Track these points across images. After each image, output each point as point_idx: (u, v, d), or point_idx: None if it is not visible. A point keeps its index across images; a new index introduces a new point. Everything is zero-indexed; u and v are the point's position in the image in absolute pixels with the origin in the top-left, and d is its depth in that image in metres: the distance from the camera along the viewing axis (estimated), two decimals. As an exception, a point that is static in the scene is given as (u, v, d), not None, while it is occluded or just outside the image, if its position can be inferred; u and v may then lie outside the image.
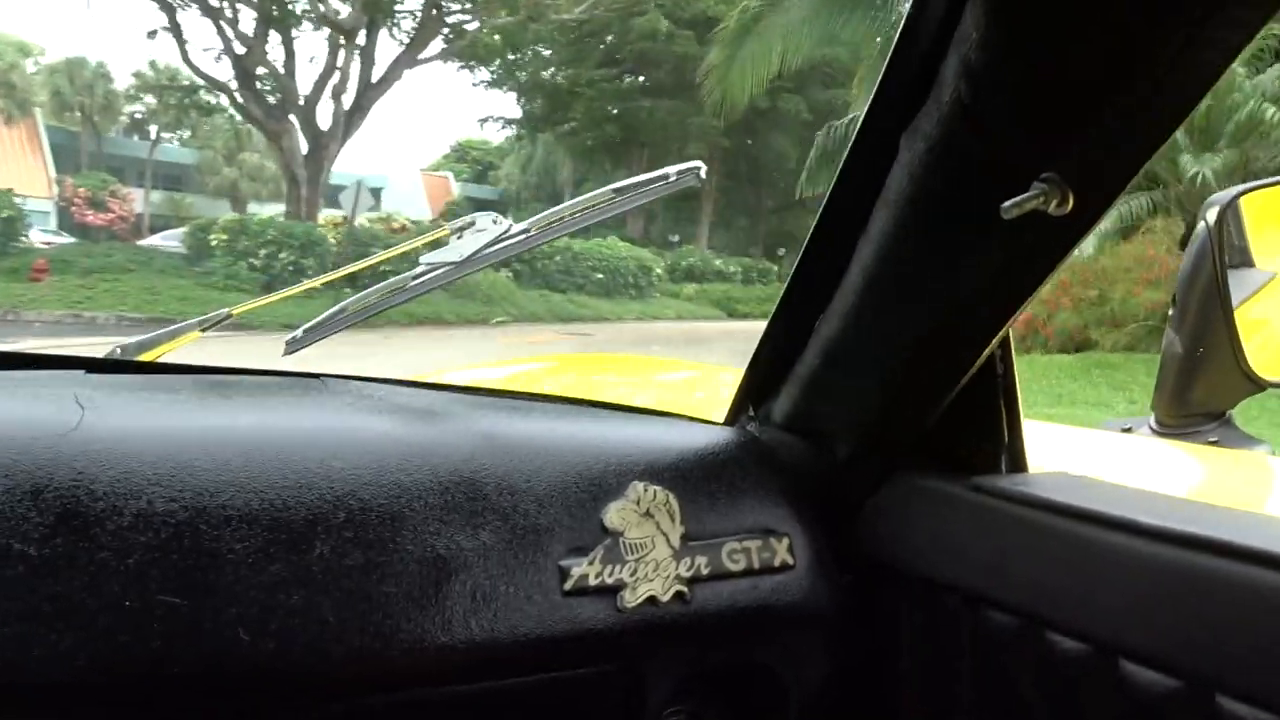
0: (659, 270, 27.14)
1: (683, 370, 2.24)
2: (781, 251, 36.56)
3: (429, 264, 1.04)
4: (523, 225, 1.04)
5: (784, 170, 37.28)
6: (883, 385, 0.93)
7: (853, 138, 0.80)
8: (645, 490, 0.90)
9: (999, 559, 0.87)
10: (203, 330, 1.11)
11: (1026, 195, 0.68)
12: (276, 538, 0.74)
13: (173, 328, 1.10)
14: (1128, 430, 1.47)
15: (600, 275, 24.94)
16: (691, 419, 1.08)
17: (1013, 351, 0.94)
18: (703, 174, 1.06)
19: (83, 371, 0.90)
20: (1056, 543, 0.81)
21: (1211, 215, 1.29)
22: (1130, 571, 0.75)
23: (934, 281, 0.81)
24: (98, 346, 1.11)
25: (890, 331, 0.88)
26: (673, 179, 1.05)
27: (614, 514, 0.88)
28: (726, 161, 33.66)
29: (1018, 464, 0.95)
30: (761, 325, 1.01)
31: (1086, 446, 1.36)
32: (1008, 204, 0.68)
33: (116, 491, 0.70)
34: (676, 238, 36.55)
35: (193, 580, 0.70)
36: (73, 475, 0.70)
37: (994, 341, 0.86)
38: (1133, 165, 0.70)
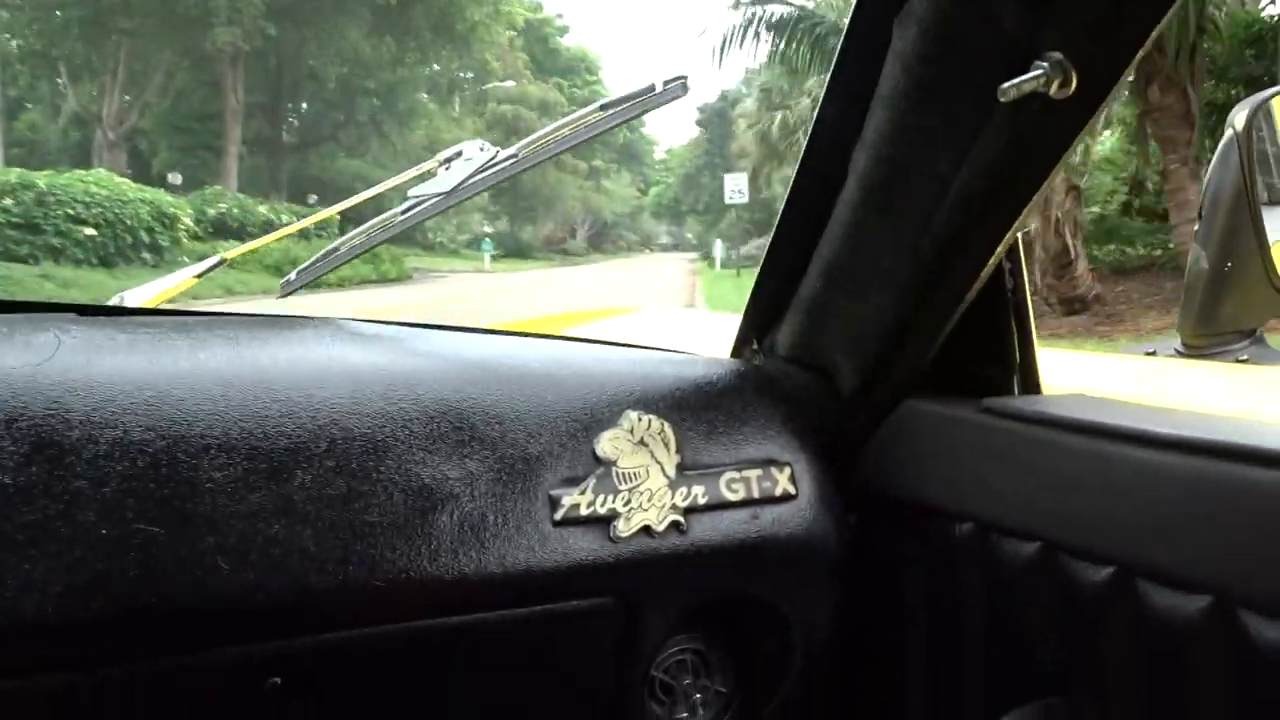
0: (186, 222, 18.17)
1: (699, 318, 2.25)
2: (313, 199, 28.75)
3: (417, 196, 1.04)
4: (510, 150, 1.05)
5: (326, 83, 29.26)
6: (888, 304, 0.89)
7: (844, 31, 0.77)
8: (640, 419, 0.89)
9: (1012, 484, 0.84)
10: (198, 276, 1.13)
11: (1027, 76, 0.66)
12: (256, 467, 0.73)
13: (169, 276, 1.13)
14: (1151, 354, 1.40)
15: (92, 231, 15.70)
16: (694, 354, 1.06)
17: (1024, 267, 0.89)
18: (688, 84, 1.04)
19: (74, 315, 0.88)
20: (1073, 462, 0.78)
21: (1240, 120, 1.22)
22: (1151, 486, 0.72)
23: (933, 183, 0.78)
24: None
25: (890, 242, 0.85)
26: (659, 90, 1.04)
27: (606, 443, 0.87)
28: (261, 65, 25.06)
29: (1031, 385, 0.92)
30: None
31: (1106, 371, 1.32)
32: (1007, 85, 0.66)
33: (92, 420, 0.69)
34: (179, 178, 26.70)
35: (170, 509, 0.70)
36: (47, 404, 0.69)
37: (1000, 248, 0.82)
38: (1135, 40, 0.66)
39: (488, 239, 42.40)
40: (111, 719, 0.72)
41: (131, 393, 0.72)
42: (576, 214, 64.51)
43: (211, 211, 21.78)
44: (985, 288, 0.87)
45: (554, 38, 60.51)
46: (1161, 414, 0.82)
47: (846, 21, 0.75)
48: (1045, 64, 0.66)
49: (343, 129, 38.22)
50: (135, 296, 1.10)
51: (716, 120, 43.19)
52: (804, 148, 0.86)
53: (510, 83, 50.80)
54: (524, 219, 59.74)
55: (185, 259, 17.81)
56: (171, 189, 24.23)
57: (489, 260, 40.25)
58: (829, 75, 0.80)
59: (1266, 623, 0.63)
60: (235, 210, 22.22)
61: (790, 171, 0.96)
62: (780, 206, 0.93)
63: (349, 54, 33.14)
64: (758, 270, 1.01)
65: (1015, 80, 0.66)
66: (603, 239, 77.38)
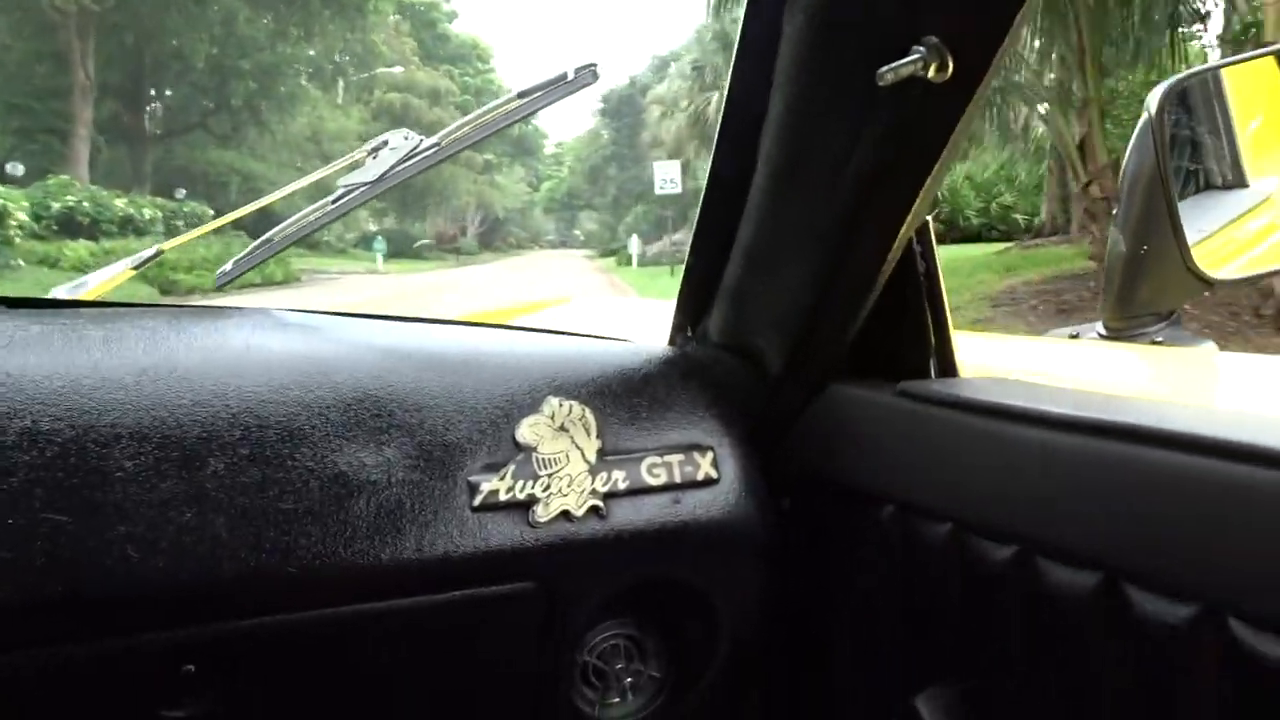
0: (22, 217, 15.01)
1: (651, 305, 2.12)
2: (181, 193, 25.55)
3: (346, 186, 1.04)
4: (433, 139, 1.05)
5: (193, 63, 26.02)
6: (803, 288, 0.90)
7: (740, 22, 0.78)
8: (560, 405, 0.89)
9: (927, 466, 0.85)
10: (135, 269, 1.12)
11: (904, 61, 0.67)
12: (168, 455, 0.73)
13: (105, 269, 1.12)
14: (1074, 336, 1.43)
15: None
16: (622, 340, 1.06)
17: (935, 252, 0.91)
18: (597, 71, 1.05)
19: (1, 308, 0.87)
20: (979, 444, 0.80)
21: (1154, 104, 1.24)
22: (1048, 465, 0.73)
23: (830, 166, 0.80)
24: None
25: (799, 228, 0.86)
26: (571, 78, 1.05)
27: (526, 429, 0.87)
28: (117, 41, 21.66)
29: (947, 369, 0.92)
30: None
31: (1029, 353, 1.33)
32: (884, 69, 0.68)
33: (0, 410, 0.69)
34: (20, 168, 23.09)
35: (79, 498, 0.69)
36: None
37: (903, 229, 0.83)
38: (1004, 21, 0.68)
39: (379, 238, 39.22)
40: (22, 707, 0.71)
41: (40, 383, 0.72)
42: (469, 210, 61.43)
43: (56, 206, 18.64)
44: (898, 271, 0.88)
45: (442, 23, 57.27)
46: (1066, 395, 0.82)
47: (743, 11, 0.77)
48: (922, 48, 0.67)
49: (214, 115, 34.53)
50: (67, 291, 1.11)
51: (625, 109, 41.07)
52: (717, 132, 0.86)
53: (398, 69, 47.53)
54: (414, 216, 56.44)
55: (20, 261, 14.61)
56: (9, 180, 20.62)
57: (382, 260, 37.13)
58: (733, 59, 0.81)
59: (1153, 598, 0.65)
60: (86, 204, 19.14)
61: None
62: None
63: (220, 29, 29.63)
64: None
65: (893, 65, 0.68)
66: (494, 236, 74.73)
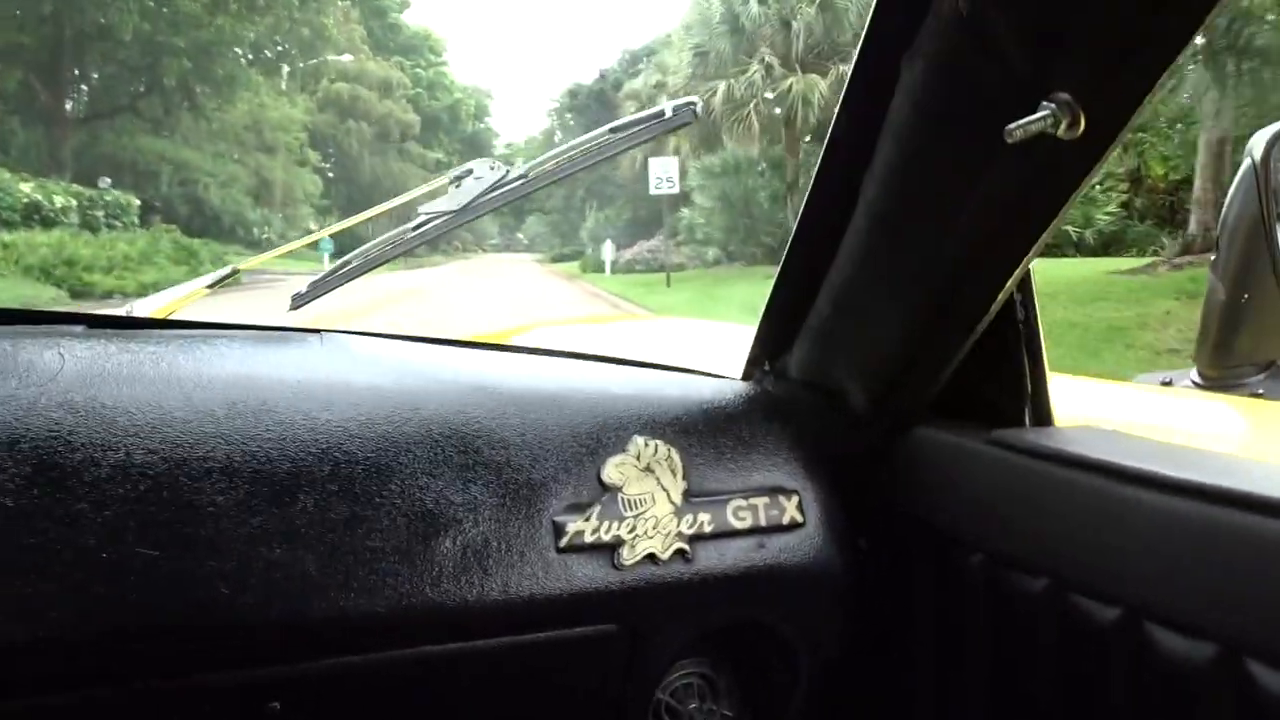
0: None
1: (704, 328, 2.11)
2: (106, 182, 22.65)
3: (428, 214, 1.04)
4: (520, 170, 1.04)
5: (120, 38, 23.16)
6: (897, 333, 0.90)
7: (852, 65, 0.76)
8: (646, 444, 0.89)
9: (1022, 517, 0.84)
10: (209, 288, 1.13)
11: (1034, 118, 0.65)
12: (258, 490, 0.73)
13: (179, 287, 1.13)
14: (1167, 383, 1.38)
15: None
16: (702, 374, 1.05)
17: (1035, 296, 0.90)
18: (698, 110, 1.05)
19: (83, 327, 0.88)
20: (1082, 500, 0.78)
21: (1258, 151, 1.23)
22: (1162, 530, 0.71)
23: (942, 216, 0.78)
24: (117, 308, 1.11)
25: (901, 273, 0.85)
26: (668, 116, 1.04)
27: (612, 469, 0.87)
28: (32, 11, 18.83)
29: (1042, 417, 0.91)
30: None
31: (1119, 401, 1.28)
32: (1013, 126, 0.66)
33: (94, 443, 0.70)
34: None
35: (171, 533, 0.70)
36: (49, 426, 0.69)
37: (1010, 281, 0.82)
38: (1147, 81, 0.65)
39: (326, 238, 36.23)
40: None
41: (134, 415, 0.72)
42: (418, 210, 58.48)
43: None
44: (997, 317, 0.87)
45: (393, 12, 54.28)
46: (1174, 453, 0.81)
47: (855, 52, 0.75)
48: (1053, 104, 0.65)
49: (144, 98, 31.29)
50: (144, 307, 1.11)
51: (594, 105, 38.56)
52: (815, 173, 0.86)
53: (348, 57, 44.53)
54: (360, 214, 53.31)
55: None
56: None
57: (328, 261, 34.25)
58: (839, 104, 0.80)
59: (1274, 673, 0.63)
60: (-8, 191, 16.00)
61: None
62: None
63: (150, 1, 26.57)
64: (769, 290, 0.99)
65: (1022, 121, 0.66)
66: (439, 238, 71.38)
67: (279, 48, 36.90)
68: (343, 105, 45.64)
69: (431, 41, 58.22)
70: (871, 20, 0.73)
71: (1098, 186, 15.07)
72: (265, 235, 37.35)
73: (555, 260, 60.56)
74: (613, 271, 29.68)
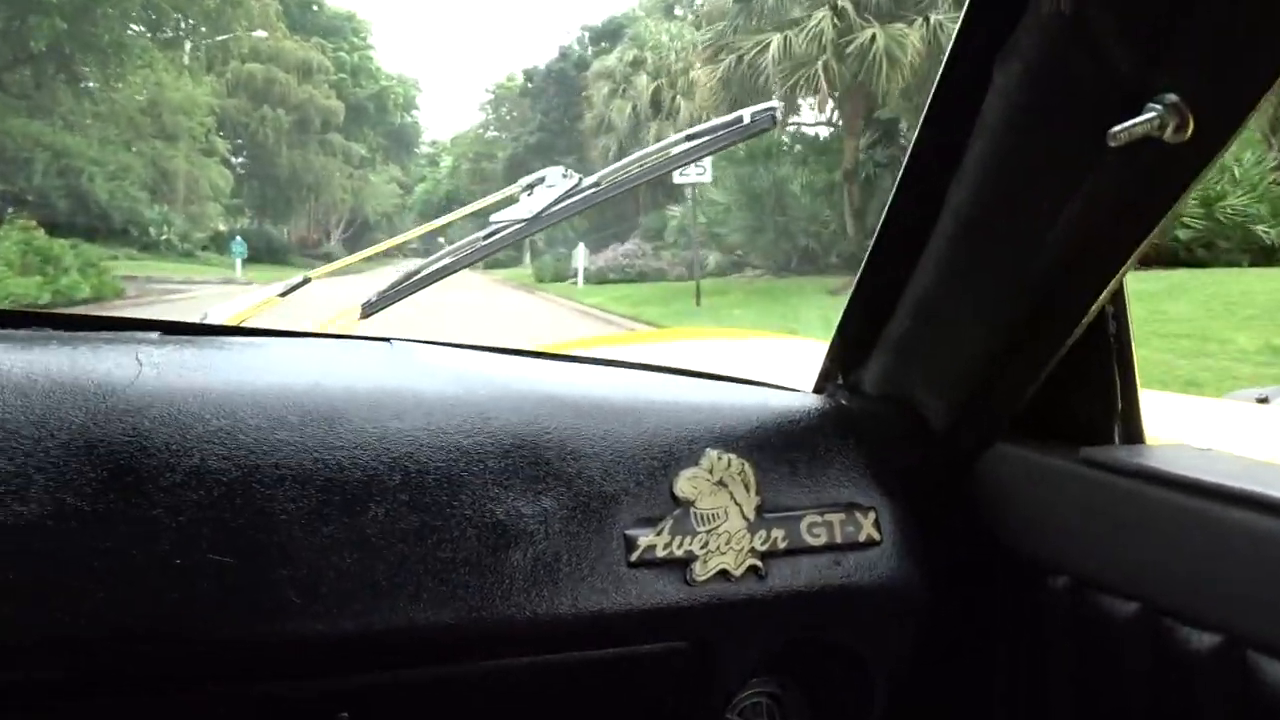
0: None
1: (777, 340, 2.08)
2: None
3: (500, 222, 1.04)
4: (593, 178, 1.04)
5: None
6: (982, 345, 0.88)
7: (941, 65, 0.74)
8: (719, 458, 0.87)
9: (1112, 539, 0.81)
10: (281, 295, 1.15)
11: (1139, 120, 0.63)
12: (330, 499, 0.73)
13: (252, 294, 1.16)
14: (1263, 400, 1.31)
15: None
16: (774, 386, 1.03)
17: (1128, 307, 0.86)
18: (778, 115, 1.03)
19: (157, 334, 0.88)
20: (1177, 521, 0.75)
21: None
22: (1261, 552, 0.69)
23: (1036, 223, 0.76)
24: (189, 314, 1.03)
25: (988, 283, 0.83)
26: (747, 122, 1.02)
27: (685, 482, 0.86)
28: None
29: (1133, 434, 0.88)
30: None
31: (1214, 418, 1.24)
32: (1117, 129, 0.63)
33: (169, 448, 0.70)
34: None
35: (244, 540, 0.70)
36: (126, 431, 0.70)
37: (1105, 293, 0.79)
38: (1259, 82, 0.62)
39: (239, 239, 30.91)
40: None
41: (209, 421, 0.73)
42: (341, 210, 52.98)
43: None
44: (1088, 330, 0.84)
45: (312, -10, 48.82)
46: (1273, 472, 0.76)
47: (946, 53, 0.72)
48: (1159, 106, 0.62)
49: (12, 70, 25.68)
50: (218, 313, 1.12)
51: (553, 88, 33.95)
52: (899, 178, 0.83)
53: (261, 33, 39.07)
54: (278, 214, 47.73)
55: None
56: None
57: (241, 266, 28.94)
58: (926, 105, 0.77)
59: None
60: None
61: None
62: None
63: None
64: (847, 300, 0.97)
65: (1126, 124, 0.63)
66: (359, 242, 66.29)
67: (177, 15, 31.48)
68: (256, 89, 40.15)
69: (355, 23, 52.77)
70: (965, 19, 0.70)
71: None
72: (165, 236, 31.89)
73: (488, 268, 55.88)
74: (585, 281, 25.32)
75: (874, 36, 14.16)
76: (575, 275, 24.67)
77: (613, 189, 1.03)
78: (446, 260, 1.07)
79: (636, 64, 26.81)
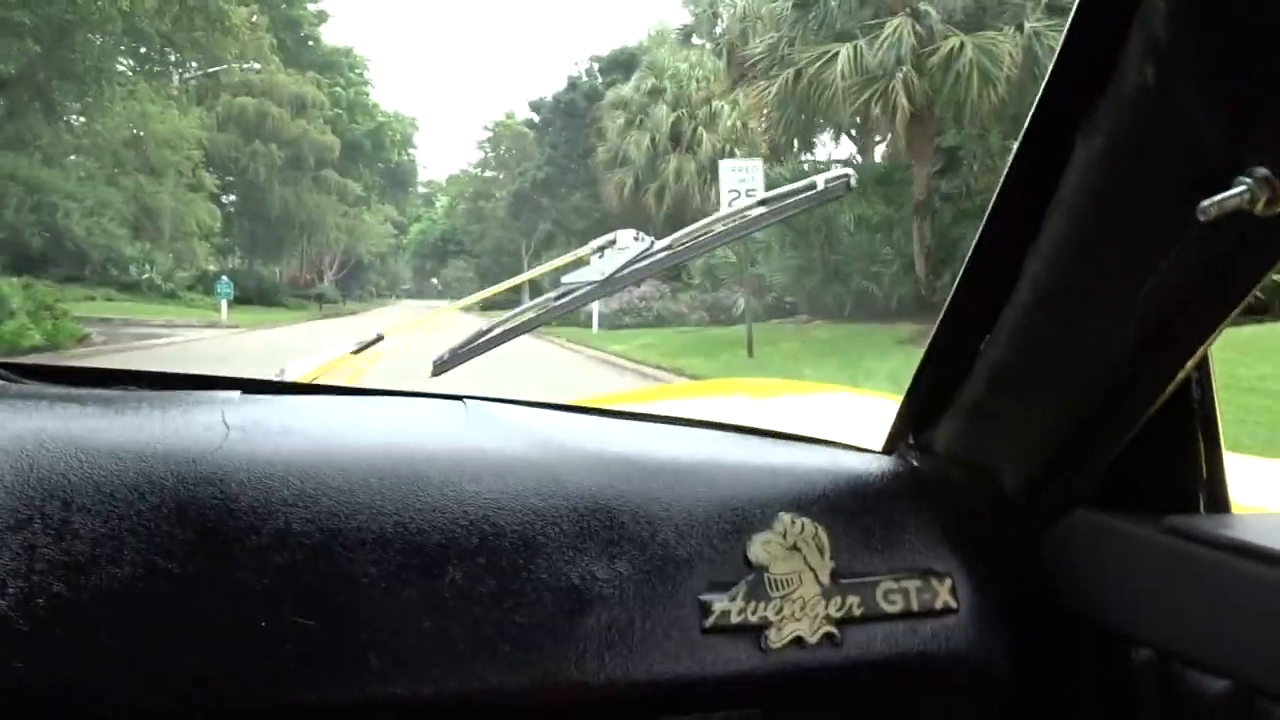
0: None
1: (837, 395, 2.04)
2: None
3: (571, 283, 1.05)
4: (665, 242, 1.04)
5: None
6: (1060, 412, 0.86)
7: (1020, 134, 0.73)
8: (793, 522, 0.86)
9: (1199, 612, 0.79)
10: (355, 353, 1.17)
11: (1229, 194, 0.61)
12: (409, 562, 0.74)
13: (327, 352, 1.18)
14: None
15: None
16: (845, 446, 1.02)
17: (1212, 373, 0.85)
18: (852, 182, 1.03)
19: (238, 393, 0.90)
20: (1268, 595, 0.73)
21: None
22: None
23: (1117, 294, 0.75)
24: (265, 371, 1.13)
25: (1066, 352, 0.82)
26: (821, 188, 1.03)
27: (759, 547, 0.84)
28: None
29: (1218, 503, 0.86)
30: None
31: None
32: (1206, 203, 0.62)
33: (255, 511, 0.72)
34: None
35: (326, 603, 0.71)
36: (215, 494, 0.71)
37: (1190, 364, 0.77)
38: None
39: (224, 279, 29.01)
40: None
41: (292, 484, 0.74)
42: (334, 250, 51.21)
43: None
44: (1170, 398, 0.82)
45: (309, 24, 47.43)
46: None
47: (1025, 124, 0.72)
48: (1249, 180, 0.60)
49: (-19, 97, 23.89)
50: (295, 369, 1.14)
51: (561, 120, 32.22)
52: (974, 244, 0.82)
53: (254, 65, 37.50)
54: (269, 253, 45.93)
55: None
56: None
57: (227, 308, 27.03)
58: (1004, 174, 0.77)
59: None
60: None
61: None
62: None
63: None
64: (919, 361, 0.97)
65: (1216, 198, 0.61)
66: (353, 282, 64.73)
67: (164, 43, 29.81)
68: (248, 123, 38.49)
69: (352, 59, 51.48)
70: (1045, 90, 0.69)
71: None
72: (146, 275, 29.99)
73: (486, 309, 53.89)
74: (599, 326, 23.47)
75: (962, 46, 12.44)
76: (589, 318, 22.82)
77: (684, 253, 1.04)
78: (517, 320, 1.09)
79: (654, 93, 25.12)
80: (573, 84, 32.06)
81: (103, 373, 0.90)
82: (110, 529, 0.67)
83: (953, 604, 0.88)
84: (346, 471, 0.76)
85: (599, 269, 1.03)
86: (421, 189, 77.14)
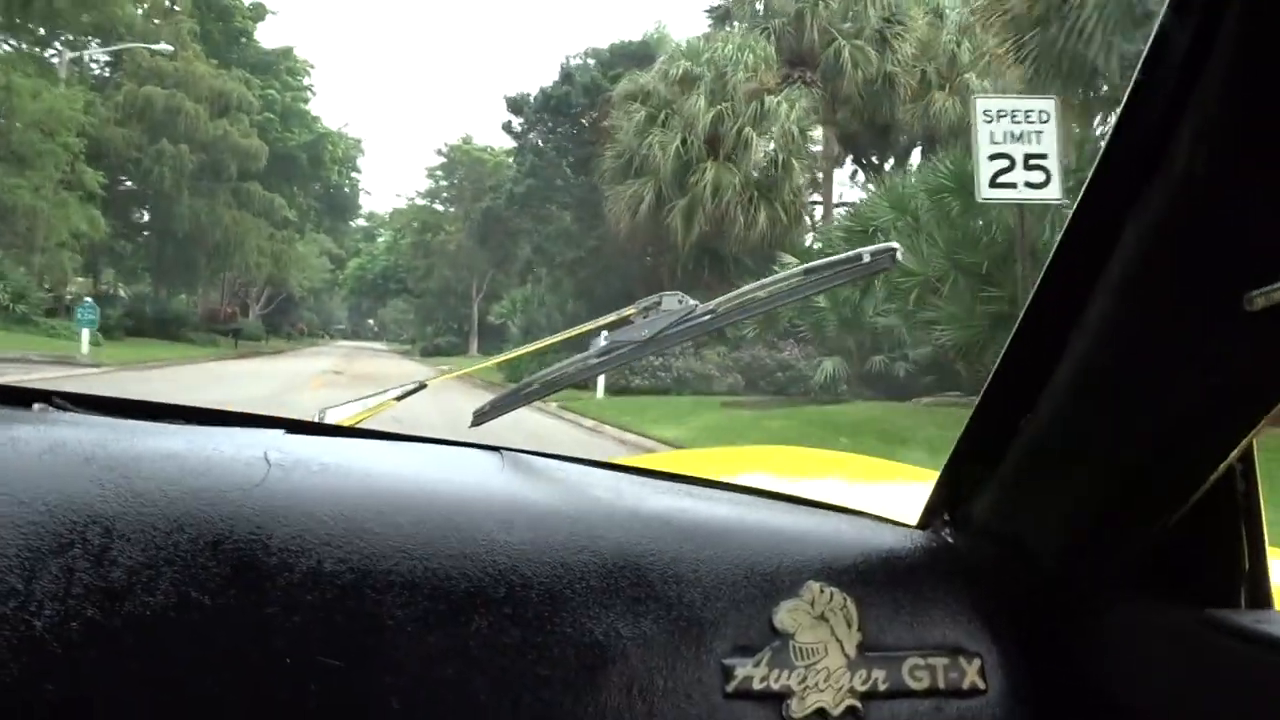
0: None
1: (875, 468, 2.03)
2: None
3: (614, 342, 1.06)
4: (709, 305, 1.05)
5: None
6: (1100, 496, 0.85)
7: (1068, 217, 0.74)
8: (821, 591, 0.86)
9: (1237, 709, 0.77)
10: (398, 399, 1.17)
11: (1277, 285, 0.62)
12: (436, 608, 0.74)
13: (371, 395, 1.17)
14: None
15: None
16: (877, 518, 1.01)
17: (1256, 464, 0.83)
18: (898, 256, 1.03)
19: (282, 431, 0.91)
20: None
21: None
22: None
23: (1161, 381, 0.75)
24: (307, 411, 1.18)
25: (1107, 436, 0.82)
26: (866, 260, 1.03)
27: (785, 614, 0.84)
28: None
29: (1260, 598, 0.84)
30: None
31: None
32: (1255, 293, 0.63)
33: (290, 549, 0.72)
34: None
35: (353, 644, 0.71)
36: (251, 530, 0.72)
37: (1233, 454, 0.77)
38: None
39: (88, 302, 21.99)
40: None
41: (329, 523, 0.75)
42: (257, 277, 44.20)
43: None
44: (1213, 486, 0.82)
45: (241, 18, 40.91)
46: None
47: (1074, 204, 0.72)
48: None
49: None
50: (336, 414, 1.14)
51: (546, 122, 25.73)
52: (1018, 322, 0.83)
53: (167, 48, 30.83)
54: (179, 277, 38.80)
55: None
56: None
57: (89, 340, 20.10)
58: (1050, 254, 0.77)
59: None
60: None
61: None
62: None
63: None
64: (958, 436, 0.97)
65: (1267, 288, 0.62)
66: (281, 318, 57.72)
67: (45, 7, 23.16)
68: (154, 118, 31.72)
69: (292, 62, 44.91)
70: (1094, 173, 0.70)
71: None
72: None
73: (428, 354, 47.21)
74: (605, 392, 17.42)
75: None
76: (592, 380, 16.67)
77: (725, 318, 1.05)
78: (556, 376, 1.09)
79: (687, 82, 18.98)
80: (567, 75, 24.76)
81: (152, 406, 0.93)
82: (148, 558, 0.69)
83: (981, 684, 0.87)
84: (381, 514, 0.77)
85: (643, 330, 1.03)
86: (362, 221, 70.37)
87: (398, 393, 1.18)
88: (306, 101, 44.92)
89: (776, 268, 12.10)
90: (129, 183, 32.88)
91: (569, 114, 24.57)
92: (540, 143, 25.42)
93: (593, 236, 21.95)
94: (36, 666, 0.64)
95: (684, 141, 18.54)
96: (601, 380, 16.41)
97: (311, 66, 45.74)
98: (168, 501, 0.72)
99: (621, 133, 19.67)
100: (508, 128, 27.14)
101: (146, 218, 35.16)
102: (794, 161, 17.78)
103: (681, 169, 18.46)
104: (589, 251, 22.20)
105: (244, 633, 0.69)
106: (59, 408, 0.90)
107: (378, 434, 1.00)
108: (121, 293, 38.71)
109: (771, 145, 17.91)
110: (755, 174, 17.98)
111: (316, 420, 1.09)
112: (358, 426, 1.08)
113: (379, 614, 0.72)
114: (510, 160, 31.32)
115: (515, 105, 26.46)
